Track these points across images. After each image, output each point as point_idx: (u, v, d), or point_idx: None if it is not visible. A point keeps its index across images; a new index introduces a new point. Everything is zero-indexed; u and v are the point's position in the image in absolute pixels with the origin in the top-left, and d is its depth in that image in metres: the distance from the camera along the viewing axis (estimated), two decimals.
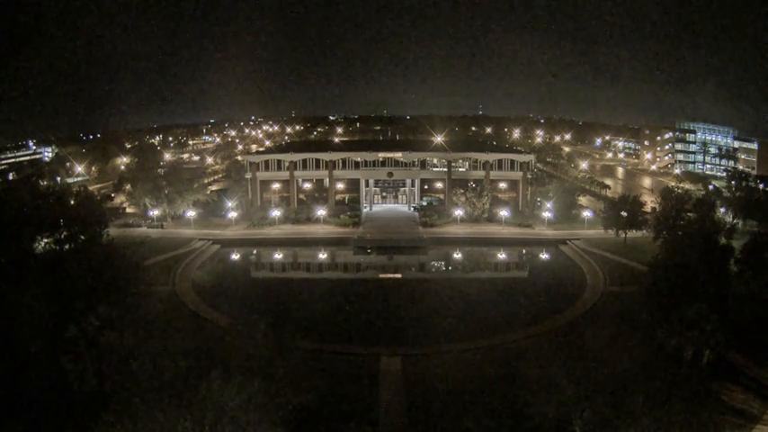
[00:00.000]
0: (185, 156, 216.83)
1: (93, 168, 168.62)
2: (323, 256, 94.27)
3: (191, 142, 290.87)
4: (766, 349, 46.85)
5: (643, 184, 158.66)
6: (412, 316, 62.34)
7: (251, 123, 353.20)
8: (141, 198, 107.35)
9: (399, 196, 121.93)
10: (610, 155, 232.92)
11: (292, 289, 75.74)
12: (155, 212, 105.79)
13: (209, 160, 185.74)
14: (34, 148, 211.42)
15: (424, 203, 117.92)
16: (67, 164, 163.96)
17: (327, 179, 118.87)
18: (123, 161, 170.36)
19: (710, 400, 36.04)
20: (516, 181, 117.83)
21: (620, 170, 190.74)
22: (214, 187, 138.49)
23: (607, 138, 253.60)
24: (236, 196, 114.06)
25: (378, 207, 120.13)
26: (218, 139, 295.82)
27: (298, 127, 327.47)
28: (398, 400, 42.02)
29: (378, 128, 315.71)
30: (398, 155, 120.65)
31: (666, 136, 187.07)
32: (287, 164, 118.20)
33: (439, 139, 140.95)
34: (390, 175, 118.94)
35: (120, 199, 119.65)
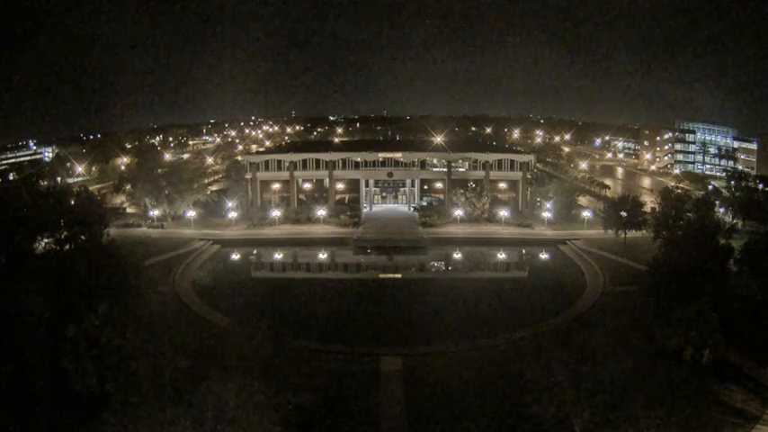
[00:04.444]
0: (185, 156, 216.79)
1: (93, 168, 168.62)
2: (323, 256, 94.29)
3: (191, 142, 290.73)
4: (766, 349, 46.82)
5: (643, 184, 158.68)
6: (412, 316, 62.29)
7: (251, 123, 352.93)
8: (141, 198, 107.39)
9: (399, 196, 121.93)
10: (609, 155, 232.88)
11: (292, 289, 75.73)
12: (155, 212, 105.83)
13: (210, 160, 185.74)
14: (34, 148, 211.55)
15: (424, 203, 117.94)
16: (68, 164, 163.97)
17: (327, 179, 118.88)
18: (123, 161, 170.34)
19: (710, 400, 36.08)
20: (516, 181, 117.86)
21: (619, 170, 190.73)
22: (214, 187, 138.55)
23: (607, 138, 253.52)
24: (236, 196, 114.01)
25: (378, 207, 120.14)
26: (218, 140, 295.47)
27: (298, 127, 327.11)
28: (398, 400, 42.03)
29: (378, 128, 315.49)
30: (398, 155, 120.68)
31: (666, 136, 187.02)
32: (287, 164, 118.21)
33: (439, 139, 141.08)
34: (390, 175, 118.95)
35: (120, 199, 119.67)
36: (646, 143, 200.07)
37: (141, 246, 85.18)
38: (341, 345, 53.16)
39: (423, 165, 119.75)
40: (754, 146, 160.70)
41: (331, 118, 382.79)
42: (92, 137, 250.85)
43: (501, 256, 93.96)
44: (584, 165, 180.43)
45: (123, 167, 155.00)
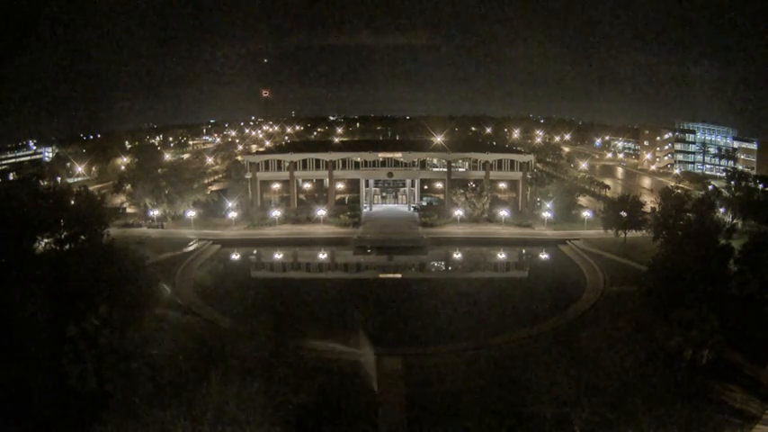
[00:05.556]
0: (185, 156, 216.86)
1: (93, 168, 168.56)
2: (323, 256, 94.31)
3: (191, 142, 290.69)
4: (766, 349, 46.83)
5: (643, 184, 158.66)
6: (412, 316, 62.34)
7: (251, 123, 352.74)
8: (141, 198, 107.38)
9: (399, 196, 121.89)
10: (609, 155, 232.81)
11: (292, 289, 75.78)
12: (155, 212, 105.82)
13: (210, 160, 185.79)
14: (34, 148, 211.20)
15: (424, 203, 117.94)
16: (68, 164, 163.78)
17: (327, 179, 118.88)
18: (123, 161, 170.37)
19: (710, 400, 36.11)
20: (516, 181, 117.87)
21: (619, 170, 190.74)
22: (214, 187, 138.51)
23: (606, 138, 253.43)
24: (237, 196, 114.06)
25: (378, 207, 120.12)
26: (218, 139, 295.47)
27: (298, 127, 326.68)
28: (398, 400, 42.03)
29: (378, 128, 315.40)
30: (398, 155, 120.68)
31: (666, 136, 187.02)
32: (287, 164, 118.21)
33: (439, 139, 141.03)
34: (390, 175, 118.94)
35: (120, 199, 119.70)
36: (646, 143, 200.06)
37: (141, 246, 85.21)
38: (341, 345, 53.17)
39: (423, 165, 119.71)
40: (754, 146, 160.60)
41: (331, 118, 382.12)
42: (92, 137, 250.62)
43: (501, 256, 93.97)
44: (584, 165, 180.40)
45: (123, 167, 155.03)
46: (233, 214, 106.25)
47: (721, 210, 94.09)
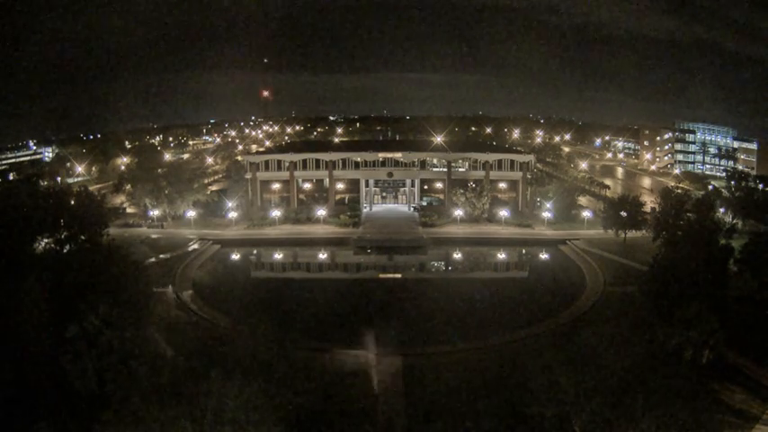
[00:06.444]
0: (185, 156, 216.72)
1: (93, 168, 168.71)
2: (323, 256, 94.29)
3: (191, 142, 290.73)
4: (766, 349, 46.86)
5: (643, 184, 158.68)
6: (412, 316, 62.31)
7: (251, 123, 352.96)
8: (141, 198, 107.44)
9: (399, 196, 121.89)
10: (609, 155, 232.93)
11: (292, 289, 75.77)
12: (155, 212, 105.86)
13: (210, 160, 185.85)
14: (34, 148, 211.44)
15: (424, 203, 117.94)
16: (68, 164, 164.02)
17: (327, 179, 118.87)
18: (123, 161, 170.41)
19: (710, 400, 36.11)
20: (516, 181, 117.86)
21: (619, 170, 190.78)
22: (214, 187, 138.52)
23: (607, 138, 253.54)
24: (236, 196, 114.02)
25: (378, 207, 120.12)
26: (218, 139, 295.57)
27: (298, 127, 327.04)
28: (398, 400, 42.03)
29: (378, 128, 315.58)
30: (398, 155, 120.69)
31: (666, 136, 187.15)
32: (287, 164, 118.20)
33: (439, 139, 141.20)
34: (390, 175, 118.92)
35: (120, 199, 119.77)
36: (646, 143, 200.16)
37: (141, 246, 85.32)
38: (341, 345, 53.14)
39: (423, 165, 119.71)
40: (754, 146, 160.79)
41: (331, 118, 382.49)
42: (92, 137, 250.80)
43: (501, 256, 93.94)
44: (584, 165, 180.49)
45: (123, 167, 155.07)
46: (233, 214, 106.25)
47: (721, 210, 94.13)
